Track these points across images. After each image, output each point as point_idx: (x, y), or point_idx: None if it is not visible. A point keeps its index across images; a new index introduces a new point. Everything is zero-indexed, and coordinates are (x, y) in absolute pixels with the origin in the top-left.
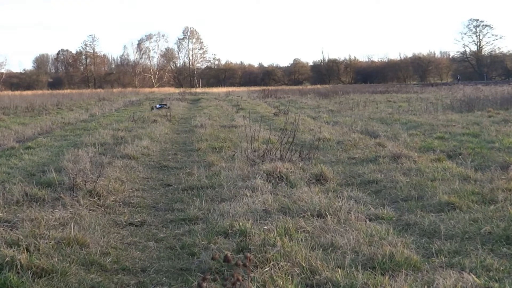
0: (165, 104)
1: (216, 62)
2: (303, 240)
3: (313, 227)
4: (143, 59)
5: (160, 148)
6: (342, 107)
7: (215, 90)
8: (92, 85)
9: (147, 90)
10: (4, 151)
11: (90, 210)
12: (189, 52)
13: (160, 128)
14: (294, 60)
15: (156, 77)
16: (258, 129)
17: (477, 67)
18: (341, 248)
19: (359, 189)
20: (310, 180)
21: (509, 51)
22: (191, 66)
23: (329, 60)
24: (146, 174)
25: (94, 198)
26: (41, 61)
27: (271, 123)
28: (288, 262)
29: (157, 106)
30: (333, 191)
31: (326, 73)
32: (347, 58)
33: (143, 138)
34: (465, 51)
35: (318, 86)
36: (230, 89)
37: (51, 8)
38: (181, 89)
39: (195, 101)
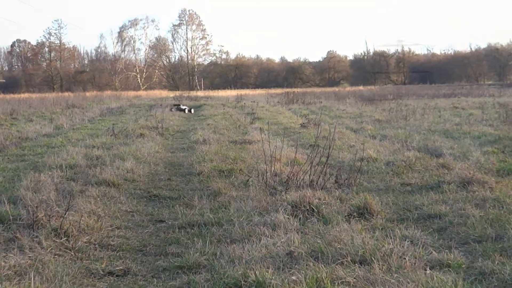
0: (186, 108)
1: (224, 56)
2: None
3: (354, 278)
4: (125, 52)
5: (149, 171)
6: (393, 115)
7: (222, 93)
8: (58, 87)
9: (131, 93)
10: None
11: (55, 254)
12: (187, 43)
13: (149, 145)
14: (328, 53)
15: (144, 76)
16: (280, 146)
17: None
18: None
19: (416, 226)
20: (351, 214)
21: None
22: (190, 62)
23: (375, 53)
24: (130, 206)
25: (61, 238)
26: None
27: (298, 138)
28: None
29: (183, 107)
30: (382, 229)
31: (371, 70)
32: (399, 50)
33: (126, 158)
34: None
35: (360, 87)
36: (243, 91)
37: None
38: (177, 92)
39: (196, 108)
